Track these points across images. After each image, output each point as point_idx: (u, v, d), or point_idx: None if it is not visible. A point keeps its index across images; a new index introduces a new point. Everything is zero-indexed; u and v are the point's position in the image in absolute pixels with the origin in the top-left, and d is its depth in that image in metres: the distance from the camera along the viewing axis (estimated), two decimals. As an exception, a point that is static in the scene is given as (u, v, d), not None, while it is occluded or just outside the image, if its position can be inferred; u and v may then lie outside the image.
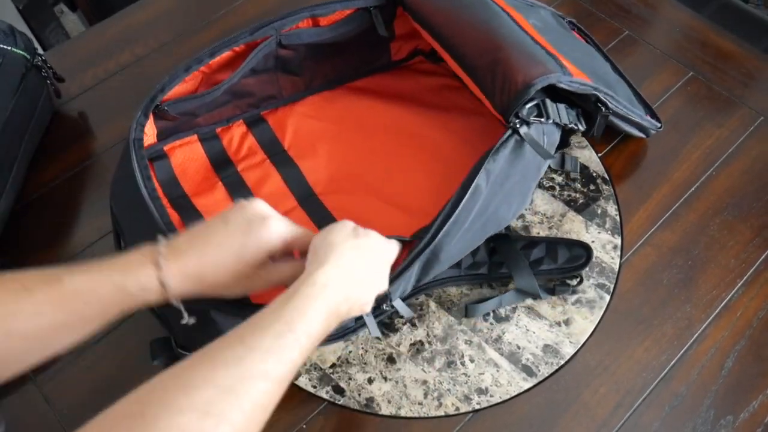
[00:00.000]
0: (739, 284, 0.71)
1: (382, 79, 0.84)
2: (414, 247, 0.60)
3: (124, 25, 0.96)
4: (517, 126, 0.62)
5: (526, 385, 0.65)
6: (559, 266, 0.69)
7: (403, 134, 0.79)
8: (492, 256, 0.69)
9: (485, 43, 0.67)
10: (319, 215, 0.73)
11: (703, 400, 0.64)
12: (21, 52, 0.79)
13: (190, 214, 0.71)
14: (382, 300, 0.60)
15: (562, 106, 0.65)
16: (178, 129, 0.75)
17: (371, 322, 0.61)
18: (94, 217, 0.77)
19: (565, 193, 0.77)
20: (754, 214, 0.75)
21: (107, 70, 0.91)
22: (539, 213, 0.75)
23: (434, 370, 0.66)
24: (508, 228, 0.72)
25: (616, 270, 0.71)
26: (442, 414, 0.64)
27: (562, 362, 0.66)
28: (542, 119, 0.63)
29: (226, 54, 0.71)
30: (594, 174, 0.78)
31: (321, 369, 0.66)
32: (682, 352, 0.67)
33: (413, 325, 0.68)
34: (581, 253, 0.70)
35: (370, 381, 0.65)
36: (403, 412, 0.64)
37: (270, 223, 0.55)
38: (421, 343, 0.67)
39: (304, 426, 0.63)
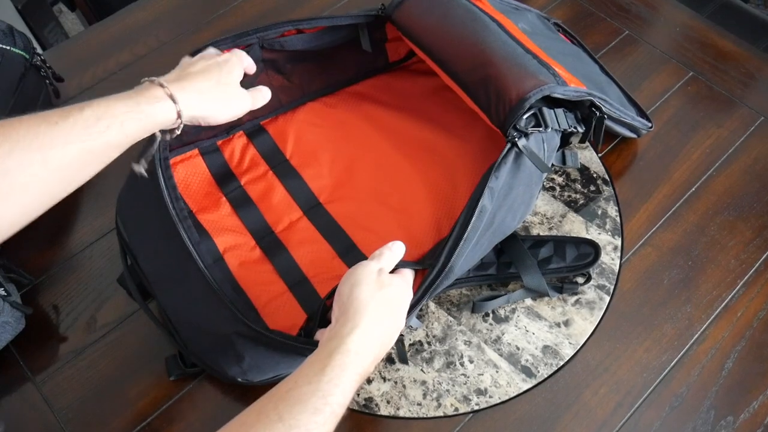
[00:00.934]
0: (740, 285, 0.71)
1: (380, 81, 0.84)
2: (426, 276, 0.60)
3: (123, 25, 0.96)
4: (516, 139, 0.61)
5: (526, 386, 0.65)
6: (567, 264, 0.69)
7: (403, 137, 0.79)
8: (500, 256, 0.69)
9: (475, 58, 0.67)
10: (326, 225, 0.73)
11: (703, 401, 0.64)
12: (20, 51, 0.79)
13: (198, 232, 0.70)
14: None
15: (560, 111, 0.65)
16: (178, 143, 0.74)
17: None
18: (93, 217, 0.77)
19: (566, 193, 0.77)
20: (754, 215, 0.75)
21: (106, 69, 0.91)
22: (539, 214, 0.75)
23: (433, 371, 0.66)
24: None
25: (616, 271, 0.71)
26: (441, 414, 0.63)
27: (562, 363, 0.66)
28: (540, 129, 0.63)
29: None
30: (594, 175, 0.78)
31: (321, 369, 0.66)
32: (682, 352, 0.67)
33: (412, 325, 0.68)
34: (589, 250, 0.70)
35: (369, 381, 0.65)
36: (402, 413, 0.63)
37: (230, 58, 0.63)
38: (421, 343, 0.67)
39: (304, 426, 0.63)
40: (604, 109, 0.68)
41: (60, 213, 0.78)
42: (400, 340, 0.63)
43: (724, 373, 0.66)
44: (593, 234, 0.73)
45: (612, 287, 0.70)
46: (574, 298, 0.69)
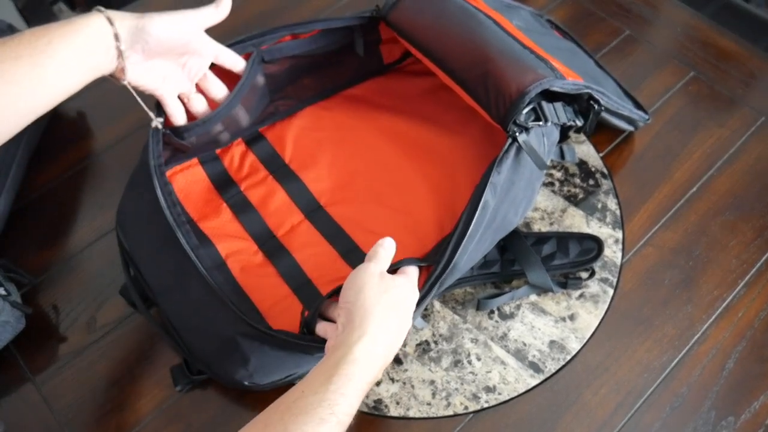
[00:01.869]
0: (741, 285, 0.70)
1: (376, 84, 0.84)
2: (431, 273, 0.60)
3: (123, 25, 0.96)
4: (516, 134, 0.61)
5: (534, 382, 0.65)
6: (571, 260, 0.69)
7: (401, 138, 0.79)
8: (503, 254, 0.69)
9: (473, 55, 0.67)
10: (327, 228, 0.72)
11: (704, 401, 0.64)
12: (20, 51, 0.79)
13: (199, 239, 0.70)
14: None
15: (558, 105, 0.65)
16: (178, 153, 0.74)
17: None
18: (93, 217, 0.77)
19: (565, 188, 0.77)
20: (755, 215, 0.75)
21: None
22: (539, 209, 0.75)
23: (441, 370, 0.66)
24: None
25: (619, 264, 0.71)
26: (451, 413, 0.63)
27: (569, 357, 0.66)
28: (540, 123, 0.63)
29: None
30: (593, 168, 0.78)
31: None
32: (683, 352, 0.67)
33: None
34: (592, 245, 0.70)
35: (378, 383, 0.65)
36: (411, 413, 0.63)
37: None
38: (427, 342, 0.67)
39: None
40: (602, 101, 0.68)
41: (60, 213, 0.78)
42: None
43: (725, 374, 0.65)
44: (594, 228, 0.73)
45: (615, 280, 0.70)
46: (578, 292, 0.69)
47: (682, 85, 0.86)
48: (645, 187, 0.77)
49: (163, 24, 0.61)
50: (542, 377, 0.65)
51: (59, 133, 0.85)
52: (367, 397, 0.64)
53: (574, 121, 0.67)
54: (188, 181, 0.75)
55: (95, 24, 0.57)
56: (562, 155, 0.76)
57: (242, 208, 0.74)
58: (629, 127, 0.79)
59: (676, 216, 0.75)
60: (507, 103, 0.63)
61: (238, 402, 0.64)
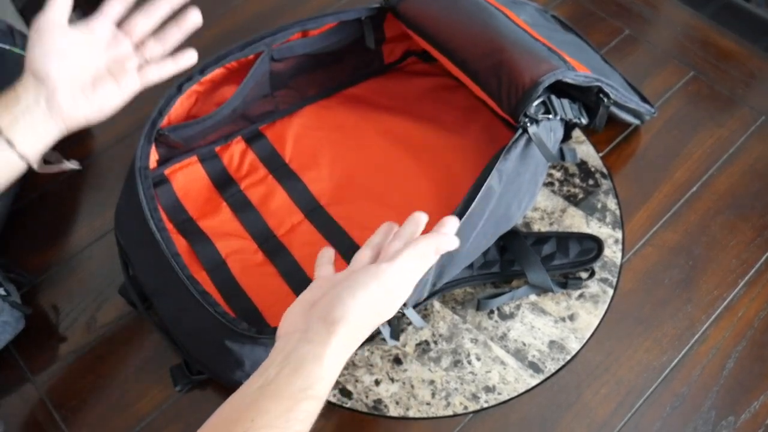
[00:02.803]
0: (741, 284, 0.70)
1: (376, 84, 0.84)
2: None
3: (123, 25, 0.96)
4: (527, 125, 0.61)
5: (534, 382, 0.65)
6: (571, 260, 0.69)
7: (401, 138, 0.79)
8: (503, 254, 0.69)
9: (486, 45, 0.67)
10: (327, 227, 0.72)
11: (704, 401, 0.64)
12: (20, 51, 0.79)
13: (198, 238, 0.70)
14: None
15: (565, 102, 0.66)
16: (177, 151, 0.74)
17: (387, 332, 0.61)
18: (93, 217, 0.77)
19: (565, 188, 0.77)
20: (755, 214, 0.75)
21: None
22: (539, 209, 0.75)
23: (441, 370, 0.66)
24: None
25: (619, 264, 0.71)
26: (451, 413, 0.63)
27: (569, 357, 0.66)
28: (550, 116, 0.63)
29: (218, 71, 0.71)
30: (592, 168, 0.78)
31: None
32: (683, 352, 0.67)
33: (416, 325, 0.68)
34: (592, 246, 0.70)
35: (377, 383, 0.65)
36: (411, 413, 0.63)
37: (35, 23, 0.56)
38: (427, 342, 0.67)
39: (304, 427, 0.63)
40: (611, 95, 0.68)
41: (60, 213, 0.78)
42: (396, 317, 0.61)
43: (725, 373, 0.65)
44: (594, 227, 0.74)
45: (615, 280, 0.70)
46: (578, 292, 0.70)
47: (682, 85, 0.86)
48: (645, 187, 0.77)
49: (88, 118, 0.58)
50: (542, 377, 0.65)
51: (59, 133, 0.85)
52: (366, 396, 0.64)
53: (579, 118, 0.67)
54: (188, 179, 0.75)
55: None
56: (562, 156, 0.76)
57: (242, 207, 0.74)
58: (636, 121, 0.79)
59: (675, 216, 0.75)
60: (520, 93, 0.63)
61: (238, 402, 0.64)
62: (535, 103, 0.63)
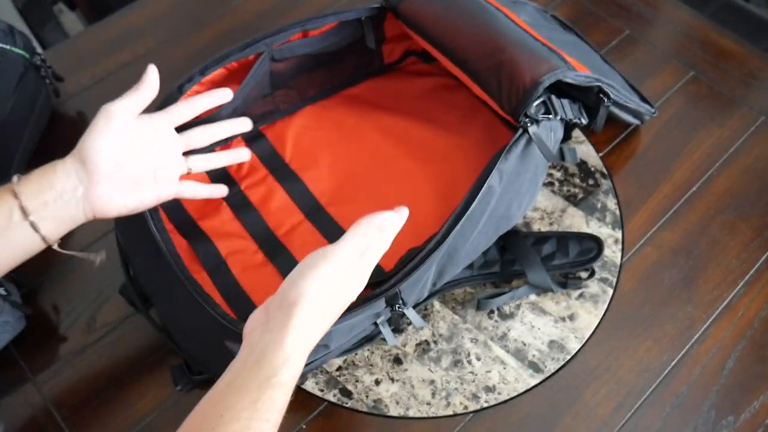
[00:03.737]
0: (741, 284, 0.71)
1: (376, 84, 0.84)
2: (426, 244, 0.59)
3: (123, 25, 0.96)
4: (528, 125, 0.62)
5: (534, 382, 0.65)
6: (571, 260, 0.69)
7: (401, 138, 0.79)
8: (503, 254, 0.69)
9: (486, 45, 0.67)
10: (328, 227, 0.72)
11: (704, 401, 0.64)
12: (20, 51, 0.79)
13: (198, 238, 0.70)
14: (394, 301, 0.59)
15: (565, 102, 0.66)
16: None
17: (388, 333, 0.61)
18: (93, 216, 0.77)
19: (565, 188, 0.77)
20: (755, 214, 0.75)
21: (106, 69, 0.91)
22: (539, 209, 0.75)
23: (441, 370, 0.66)
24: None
25: (618, 264, 0.71)
26: (451, 413, 0.63)
27: (569, 357, 0.66)
28: (550, 116, 0.63)
29: (219, 71, 0.71)
30: (592, 168, 0.78)
31: (327, 372, 0.66)
32: (683, 352, 0.67)
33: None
34: (592, 245, 0.70)
35: (378, 382, 0.65)
36: (411, 413, 0.63)
37: (106, 109, 0.55)
38: (427, 342, 0.67)
39: (304, 426, 0.63)
40: (611, 95, 0.68)
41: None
42: (398, 313, 0.61)
43: (725, 373, 0.66)
44: (594, 227, 0.74)
45: (614, 280, 0.70)
46: (578, 292, 0.70)
47: (682, 85, 0.86)
48: (645, 186, 0.77)
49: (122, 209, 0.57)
50: (542, 377, 0.65)
51: (59, 132, 0.85)
52: (366, 396, 0.64)
53: (579, 118, 0.67)
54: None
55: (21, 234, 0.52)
56: (562, 156, 0.76)
57: (242, 208, 0.74)
58: (635, 121, 0.79)
59: (675, 216, 0.75)
60: (520, 93, 0.63)
61: (238, 402, 0.64)
62: (536, 103, 0.63)
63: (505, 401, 0.64)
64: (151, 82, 0.58)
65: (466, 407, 0.64)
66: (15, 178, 0.53)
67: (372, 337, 0.65)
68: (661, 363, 0.66)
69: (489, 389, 0.65)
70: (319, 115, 0.81)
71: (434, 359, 0.66)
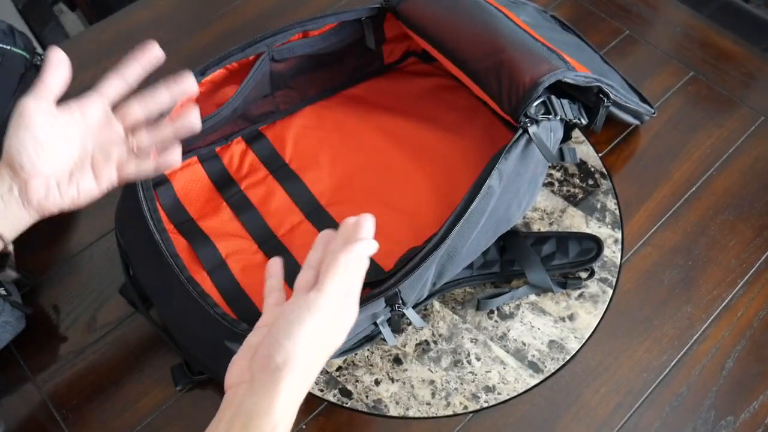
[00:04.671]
0: (740, 284, 0.71)
1: (376, 84, 0.84)
2: (425, 245, 0.59)
3: (123, 25, 0.96)
4: (527, 125, 0.62)
5: (533, 382, 0.65)
6: (570, 260, 0.70)
7: (401, 138, 0.79)
8: (503, 254, 0.70)
9: (486, 45, 0.67)
10: (327, 227, 0.72)
11: (703, 401, 0.64)
12: (20, 51, 0.79)
13: (198, 238, 0.70)
14: (393, 301, 0.59)
15: (565, 102, 0.66)
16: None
17: (387, 333, 0.61)
18: (93, 217, 0.77)
19: (564, 188, 0.77)
20: (754, 214, 0.75)
21: (106, 69, 0.90)
22: (539, 209, 0.75)
23: (441, 370, 0.66)
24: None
25: (618, 264, 0.71)
26: (451, 413, 0.64)
27: (568, 357, 0.66)
28: (550, 116, 0.63)
29: (219, 72, 0.71)
30: (592, 169, 0.78)
31: (327, 372, 0.66)
32: (682, 352, 0.67)
33: (415, 325, 0.68)
34: (592, 245, 0.70)
35: (377, 383, 0.65)
36: (411, 413, 0.64)
37: (19, 104, 0.52)
38: (427, 342, 0.67)
39: (304, 426, 0.63)
40: (611, 95, 0.68)
41: (60, 213, 0.78)
42: (397, 313, 0.60)
43: (725, 373, 0.66)
44: (593, 227, 0.74)
45: (614, 280, 0.70)
46: (578, 292, 0.70)
47: (682, 85, 0.86)
48: (644, 187, 0.77)
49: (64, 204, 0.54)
50: (542, 377, 0.65)
51: (59, 133, 0.85)
52: (366, 396, 0.65)
53: (579, 118, 0.68)
54: (188, 179, 0.75)
55: None
56: (562, 156, 0.76)
57: (242, 208, 0.74)
58: (635, 121, 0.79)
59: (675, 216, 0.75)
60: (520, 93, 0.63)
61: (239, 402, 0.64)
62: (535, 103, 0.63)
63: (505, 401, 0.64)
64: (54, 67, 0.53)
65: (465, 407, 0.64)
66: None
67: (372, 337, 0.65)
68: (661, 363, 0.66)
69: (489, 389, 0.65)
70: (319, 115, 0.81)
71: (434, 359, 0.66)
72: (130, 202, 0.65)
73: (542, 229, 0.74)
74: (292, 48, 0.74)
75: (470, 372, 0.66)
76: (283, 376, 0.45)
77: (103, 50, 0.92)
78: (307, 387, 0.48)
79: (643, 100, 0.80)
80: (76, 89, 0.89)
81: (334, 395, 0.65)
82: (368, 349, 0.67)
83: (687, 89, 0.86)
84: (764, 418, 0.63)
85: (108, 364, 0.67)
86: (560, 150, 0.75)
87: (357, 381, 0.65)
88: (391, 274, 0.59)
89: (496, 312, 0.69)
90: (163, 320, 0.65)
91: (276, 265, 0.55)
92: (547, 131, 0.64)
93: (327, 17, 0.74)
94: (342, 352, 0.65)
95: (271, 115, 0.80)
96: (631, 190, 0.77)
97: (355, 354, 0.67)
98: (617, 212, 0.75)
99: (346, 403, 0.64)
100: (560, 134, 0.68)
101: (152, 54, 0.58)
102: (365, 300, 0.58)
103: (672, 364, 0.66)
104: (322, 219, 0.73)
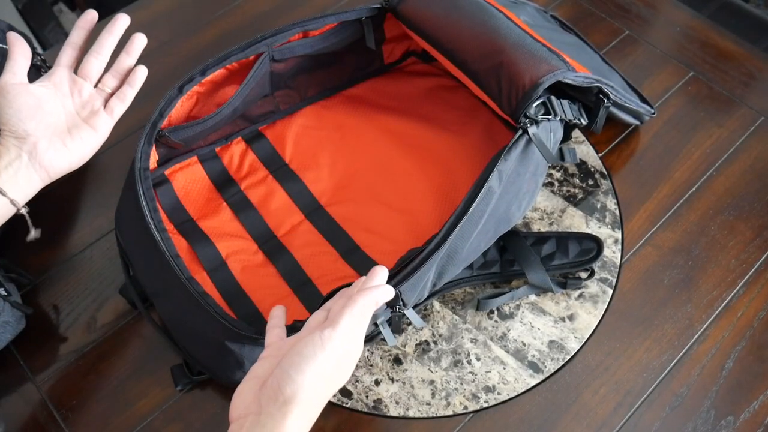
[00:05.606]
0: (740, 284, 0.71)
1: (376, 84, 0.84)
2: (425, 246, 0.59)
3: (123, 25, 0.96)
4: (527, 126, 0.62)
5: (533, 382, 0.65)
6: (570, 260, 0.70)
7: (401, 138, 0.79)
8: (503, 254, 0.70)
9: (486, 46, 0.67)
10: (327, 227, 0.72)
11: (703, 401, 0.64)
12: (20, 51, 0.79)
13: (198, 238, 0.70)
14: (394, 302, 0.59)
15: (565, 102, 0.66)
16: (177, 152, 0.74)
17: (388, 333, 0.61)
18: (93, 217, 0.77)
19: (564, 188, 0.77)
20: (754, 214, 0.75)
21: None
22: (539, 209, 0.75)
23: (441, 370, 0.66)
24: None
25: (618, 264, 0.71)
26: (451, 413, 0.64)
27: (568, 357, 0.66)
28: (550, 117, 0.63)
29: (219, 72, 0.71)
30: (592, 169, 0.78)
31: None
32: (682, 352, 0.67)
33: (416, 325, 0.68)
34: (592, 245, 0.70)
35: (377, 383, 0.65)
36: (411, 413, 0.64)
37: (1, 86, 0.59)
38: (427, 342, 0.67)
39: (305, 426, 0.63)
40: (611, 95, 0.68)
41: (60, 213, 0.78)
42: (398, 314, 0.60)
43: (725, 373, 0.66)
44: (593, 228, 0.74)
45: (614, 280, 0.70)
46: (578, 292, 0.70)
47: (682, 85, 0.86)
48: (644, 187, 0.77)
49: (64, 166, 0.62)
50: (542, 377, 0.65)
51: (59, 133, 0.85)
52: (366, 396, 0.65)
53: (579, 119, 0.68)
54: (188, 179, 0.75)
55: None
56: (562, 156, 0.76)
57: (242, 208, 0.74)
58: (635, 121, 0.79)
59: (675, 216, 0.75)
60: (520, 94, 0.63)
61: (238, 402, 0.64)
62: (535, 103, 0.63)
63: (505, 401, 0.64)
64: (15, 46, 0.62)
65: (465, 407, 0.64)
66: None
67: (372, 337, 0.65)
68: (661, 363, 0.66)
69: (489, 389, 0.65)
70: (319, 115, 0.81)
71: (434, 359, 0.66)
72: (130, 203, 0.65)
73: (542, 229, 0.74)
74: (292, 48, 0.74)
75: (470, 372, 0.66)
76: (291, 409, 0.46)
77: (103, 50, 0.92)
78: (312, 420, 0.48)
79: (643, 100, 0.80)
80: (76, 89, 0.89)
81: (334, 395, 0.65)
82: (368, 349, 0.67)
83: (687, 89, 0.86)
84: (764, 418, 0.63)
85: (108, 364, 0.67)
86: (560, 150, 0.75)
87: (357, 381, 0.65)
88: (392, 275, 0.59)
89: (496, 312, 0.69)
90: (163, 320, 0.65)
91: (279, 309, 0.57)
92: (547, 132, 0.64)
93: (327, 17, 0.74)
94: None
95: (271, 115, 0.80)
96: (631, 190, 0.77)
97: (355, 354, 0.67)
98: (617, 212, 0.75)
99: (346, 403, 0.64)
100: (560, 135, 0.68)
101: (89, 17, 0.66)
102: None
103: (672, 364, 0.66)
104: (322, 219, 0.73)
